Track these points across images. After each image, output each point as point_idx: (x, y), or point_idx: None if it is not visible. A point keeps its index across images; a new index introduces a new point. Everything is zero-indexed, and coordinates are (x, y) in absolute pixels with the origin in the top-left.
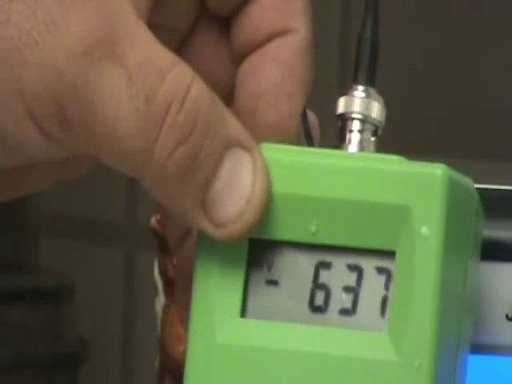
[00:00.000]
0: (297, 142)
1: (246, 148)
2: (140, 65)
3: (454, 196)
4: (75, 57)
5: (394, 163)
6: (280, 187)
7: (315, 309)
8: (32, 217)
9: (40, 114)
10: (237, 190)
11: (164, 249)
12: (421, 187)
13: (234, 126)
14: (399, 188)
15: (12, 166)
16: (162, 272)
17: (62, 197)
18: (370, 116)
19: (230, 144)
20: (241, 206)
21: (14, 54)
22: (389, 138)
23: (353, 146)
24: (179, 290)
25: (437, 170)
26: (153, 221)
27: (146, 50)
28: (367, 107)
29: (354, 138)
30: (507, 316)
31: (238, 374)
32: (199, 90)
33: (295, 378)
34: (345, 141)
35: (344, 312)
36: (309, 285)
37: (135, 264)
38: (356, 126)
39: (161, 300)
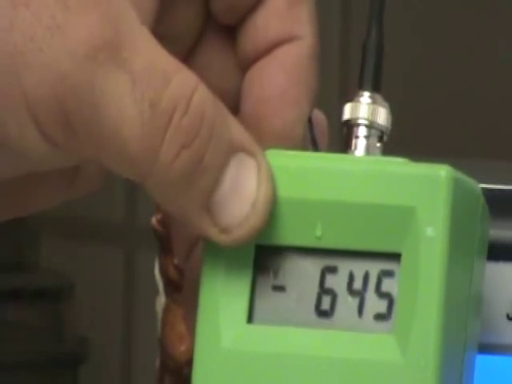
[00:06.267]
0: (303, 148)
1: (250, 153)
2: (144, 69)
3: (458, 197)
4: (79, 59)
5: (398, 165)
6: (285, 192)
7: (322, 313)
8: (32, 216)
9: (43, 119)
10: (241, 194)
11: (164, 249)
12: (425, 188)
13: (238, 131)
14: (404, 190)
15: (15, 174)
16: (163, 272)
17: None
18: (375, 122)
19: (235, 149)
20: (245, 210)
21: (17, 58)
22: (390, 139)
23: (359, 152)
24: (187, 298)
25: (441, 171)
26: (153, 220)
27: (151, 54)
28: (373, 113)
29: (360, 144)
30: (508, 315)
31: (245, 380)
32: (203, 94)
33: (302, 382)
34: (351, 147)
35: (350, 315)
36: (315, 289)
37: (135, 264)
38: (362, 132)
39: (161, 300)
